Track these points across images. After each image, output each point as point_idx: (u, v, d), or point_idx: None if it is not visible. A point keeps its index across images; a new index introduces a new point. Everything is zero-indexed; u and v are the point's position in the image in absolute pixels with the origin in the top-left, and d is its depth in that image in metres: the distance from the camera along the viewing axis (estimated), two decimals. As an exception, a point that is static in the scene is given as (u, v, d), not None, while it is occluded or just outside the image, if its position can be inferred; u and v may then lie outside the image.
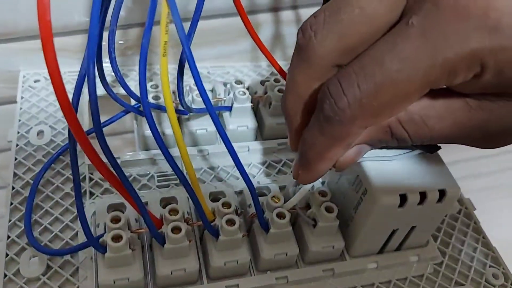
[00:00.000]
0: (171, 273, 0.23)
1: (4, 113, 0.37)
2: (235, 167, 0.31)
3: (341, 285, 0.26)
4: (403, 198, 0.24)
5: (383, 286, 0.27)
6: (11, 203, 0.27)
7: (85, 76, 0.21)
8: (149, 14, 0.22)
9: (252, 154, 0.32)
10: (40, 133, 0.31)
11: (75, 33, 0.34)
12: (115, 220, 0.23)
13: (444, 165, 0.26)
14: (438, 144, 0.23)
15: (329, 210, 0.25)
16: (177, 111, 0.30)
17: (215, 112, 0.23)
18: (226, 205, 0.25)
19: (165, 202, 0.26)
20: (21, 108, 0.32)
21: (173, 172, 0.29)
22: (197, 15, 0.25)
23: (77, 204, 0.22)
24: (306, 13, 0.39)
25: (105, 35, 0.26)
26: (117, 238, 0.22)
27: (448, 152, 0.27)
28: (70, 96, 0.20)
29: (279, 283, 0.25)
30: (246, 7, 0.29)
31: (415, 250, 0.28)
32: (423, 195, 0.24)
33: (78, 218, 0.26)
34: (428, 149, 0.24)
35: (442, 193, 0.24)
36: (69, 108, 0.19)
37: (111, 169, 0.20)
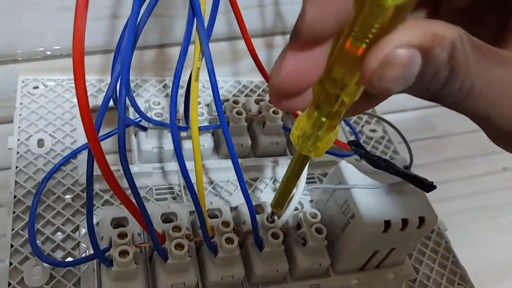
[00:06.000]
0: (172, 286, 0.25)
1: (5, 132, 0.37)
2: (229, 183, 0.33)
3: (325, 299, 0.29)
4: (387, 224, 0.26)
5: (363, 301, 0.29)
6: (14, 212, 0.27)
7: (110, 99, 0.22)
8: (184, 43, 0.23)
9: (245, 170, 0.33)
10: (40, 141, 0.31)
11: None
12: (122, 235, 0.24)
13: (424, 194, 0.28)
14: (435, 184, 0.25)
15: (319, 231, 0.27)
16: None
17: (228, 130, 0.25)
18: (225, 224, 0.26)
19: (165, 217, 0.28)
20: (20, 115, 0.32)
21: (170, 186, 0.31)
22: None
23: (87, 220, 0.23)
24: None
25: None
26: (123, 254, 0.24)
27: (427, 175, 0.29)
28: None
29: (270, 297, 0.27)
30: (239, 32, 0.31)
31: (392, 268, 0.31)
32: (405, 222, 0.26)
33: (79, 229, 0.28)
34: (425, 188, 0.26)
35: (421, 220, 0.27)
36: (92, 130, 0.20)
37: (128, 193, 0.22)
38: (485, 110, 0.16)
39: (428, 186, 0.25)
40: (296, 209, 0.30)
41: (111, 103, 0.27)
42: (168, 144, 0.31)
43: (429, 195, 0.28)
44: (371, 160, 0.27)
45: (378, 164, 0.27)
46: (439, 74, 0.15)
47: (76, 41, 0.17)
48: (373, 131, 0.41)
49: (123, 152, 0.21)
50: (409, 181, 0.26)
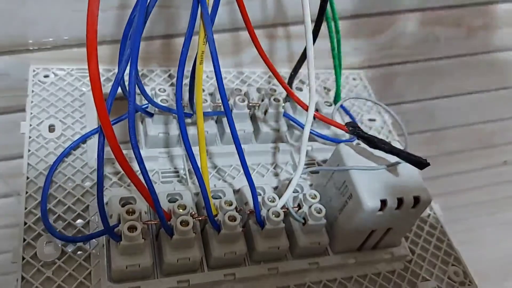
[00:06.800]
0: (177, 261, 0.26)
1: (11, 121, 0.39)
2: (232, 167, 0.34)
3: (324, 277, 0.30)
4: (383, 203, 0.27)
5: (361, 279, 0.31)
6: (26, 192, 0.29)
7: (119, 83, 0.23)
8: (189, 28, 0.24)
9: (247, 156, 0.35)
10: (51, 127, 0.33)
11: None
12: (130, 212, 0.26)
13: (418, 175, 0.29)
14: (428, 161, 0.26)
15: (318, 211, 0.29)
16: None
17: (231, 116, 0.26)
18: (228, 203, 0.28)
19: (170, 197, 0.29)
20: (32, 102, 0.34)
21: (175, 170, 0.32)
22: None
23: (98, 196, 0.24)
24: (295, 29, 0.42)
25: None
26: (132, 228, 0.25)
27: (430, 168, 0.29)
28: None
29: (271, 273, 0.29)
30: (241, 23, 0.32)
31: (389, 249, 0.32)
32: (400, 201, 0.28)
33: (88, 208, 0.29)
34: (418, 165, 0.27)
35: (416, 199, 0.28)
36: (104, 112, 0.21)
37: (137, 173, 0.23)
38: None
39: (421, 164, 0.26)
40: (296, 191, 0.32)
41: (119, 91, 0.28)
42: (173, 129, 0.33)
43: (429, 189, 0.29)
44: (367, 140, 0.29)
45: (374, 143, 0.29)
46: None
47: (90, 21, 0.18)
48: (373, 120, 0.42)
49: (132, 129, 0.22)
50: (402, 158, 0.28)
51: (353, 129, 0.29)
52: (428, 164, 0.27)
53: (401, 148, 0.30)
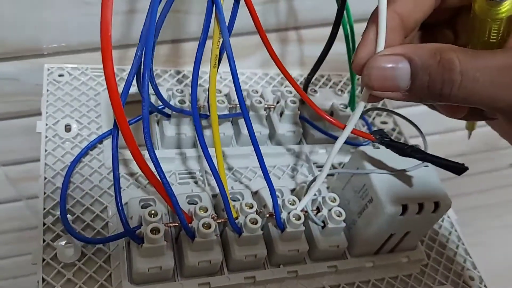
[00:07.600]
0: (198, 263, 0.26)
1: (20, 126, 0.38)
2: (248, 169, 0.34)
3: (342, 280, 0.30)
4: (404, 208, 0.27)
5: (378, 283, 0.31)
6: (44, 193, 0.29)
7: (130, 85, 0.23)
8: (203, 32, 0.24)
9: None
10: (67, 127, 0.32)
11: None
12: (152, 214, 0.25)
13: (438, 179, 0.29)
14: (466, 165, 0.25)
15: (338, 214, 0.29)
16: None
17: (250, 119, 0.26)
18: (249, 205, 0.27)
19: (189, 199, 0.29)
20: (47, 101, 0.33)
21: (192, 171, 0.32)
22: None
23: (116, 199, 0.24)
24: (307, 33, 0.42)
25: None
26: (155, 231, 0.25)
27: (438, 169, 0.29)
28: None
29: (290, 277, 0.29)
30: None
31: (405, 252, 0.32)
32: (421, 206, 0.28)
33: (107, 209, 0.29)
34: (456, 171, 0.25)
35: (436, 205, 0.28)
36: (122, 114, 0.21)
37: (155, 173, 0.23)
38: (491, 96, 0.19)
39: (459, 169, 0.25)
40: (314, 194, 0.31)
41: (132, 93, 0.27)
42: (190, 130, 0.33)
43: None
44: (397, 148, 0.27)
45: (405, 151, 0.27)
46: (436, 75, 0.19)
47: (104, 26, 0.18)
48: (384, 123, 0.42)
49: (147, 134, 0.22)
50: (438, 165, 0.26)
51: (381, 137, 0.28)
52: (467, 168, 0.26)
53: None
